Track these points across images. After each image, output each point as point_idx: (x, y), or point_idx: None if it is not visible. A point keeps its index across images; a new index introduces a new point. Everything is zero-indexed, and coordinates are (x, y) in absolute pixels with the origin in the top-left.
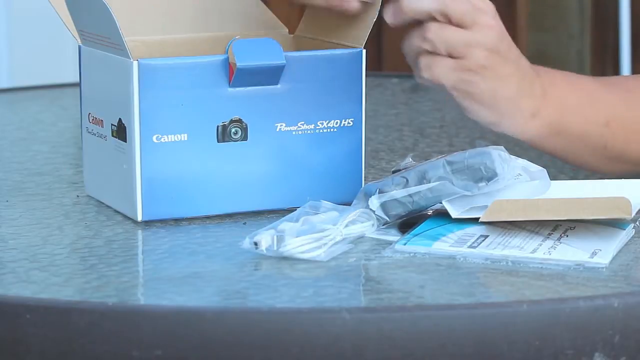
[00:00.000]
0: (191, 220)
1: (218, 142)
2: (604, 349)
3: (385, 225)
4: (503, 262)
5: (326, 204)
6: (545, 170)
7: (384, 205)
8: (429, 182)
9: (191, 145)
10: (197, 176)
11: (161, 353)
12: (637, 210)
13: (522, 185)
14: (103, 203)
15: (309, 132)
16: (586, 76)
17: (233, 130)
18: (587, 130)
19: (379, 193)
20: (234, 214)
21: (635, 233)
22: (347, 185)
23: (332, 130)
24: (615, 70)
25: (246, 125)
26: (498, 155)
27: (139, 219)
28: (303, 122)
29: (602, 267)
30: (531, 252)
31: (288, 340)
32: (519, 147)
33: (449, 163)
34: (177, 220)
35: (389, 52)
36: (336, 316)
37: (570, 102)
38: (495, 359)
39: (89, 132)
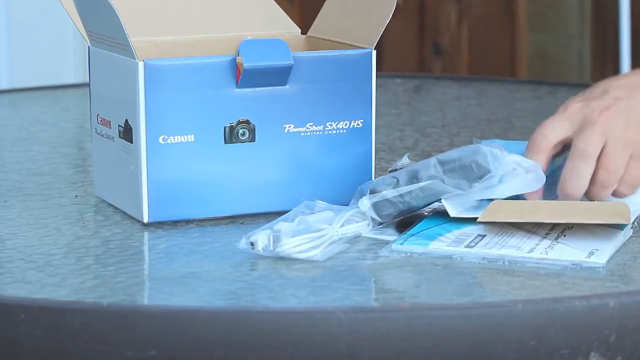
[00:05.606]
0: (188, 220)
1: (225, 143)
2: (600, 348)
3: (380, 225)
4: (500, 261)
5: (321, 203)
6: (538, 165)
7: (375, 206)
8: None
9: (198, 146)
10: (204, 178)
11: (156, 353)
12: (635, 216)
13: (518, 179)
14: (103, 203)
15: (317, 133)
16: None
17: (240, 131)
18: None
19: (370, 193)
20: (235, 215)
21: (632, 233)
22: (356, 187)
23: (341, 131)
24: (616, 71)
25: (254, 126)
26: (490, 152)
27: (145, 220)
28: (312, 123)
29: (599, 267)
30: (528, 252)
31: (283, 340)
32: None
33: (441, 163)
34: (174, 221)
35: (389, 52)
36: (331, 316)
37: None
38: (491, 358)
39: (97, 134)
